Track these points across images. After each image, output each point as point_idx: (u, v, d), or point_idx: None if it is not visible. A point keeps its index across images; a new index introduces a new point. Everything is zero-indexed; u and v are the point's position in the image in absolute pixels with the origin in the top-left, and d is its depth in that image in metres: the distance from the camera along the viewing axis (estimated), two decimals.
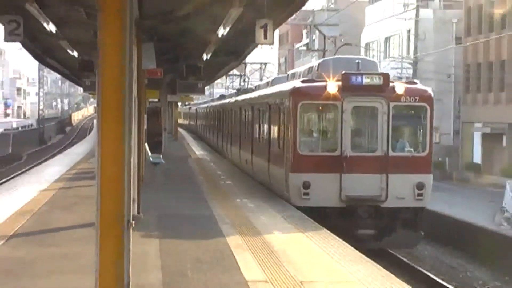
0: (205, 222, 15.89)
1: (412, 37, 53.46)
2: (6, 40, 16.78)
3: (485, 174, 47.61)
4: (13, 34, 16.44)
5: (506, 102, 46.77)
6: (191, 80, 34.58)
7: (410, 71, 50.47)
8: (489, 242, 25.15)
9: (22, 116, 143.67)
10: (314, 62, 25.21)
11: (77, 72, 30.65)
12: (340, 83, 18.95)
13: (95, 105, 13.91)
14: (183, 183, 24.38)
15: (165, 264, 11.58)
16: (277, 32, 52.64)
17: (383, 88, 18.93)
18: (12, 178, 31.72)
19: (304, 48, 75.68)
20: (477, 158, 49.99)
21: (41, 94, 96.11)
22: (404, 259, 21.29)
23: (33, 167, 39.09)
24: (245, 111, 28.82)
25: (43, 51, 27.37)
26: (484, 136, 49.28)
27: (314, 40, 70.70)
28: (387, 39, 60.92)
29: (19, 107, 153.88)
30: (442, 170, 48.85)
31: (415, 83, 20.27)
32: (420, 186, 18.89)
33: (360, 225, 18.87)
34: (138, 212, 15.94)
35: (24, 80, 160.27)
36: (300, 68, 25.25)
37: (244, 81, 67.24)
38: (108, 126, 7.41)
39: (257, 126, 25.43)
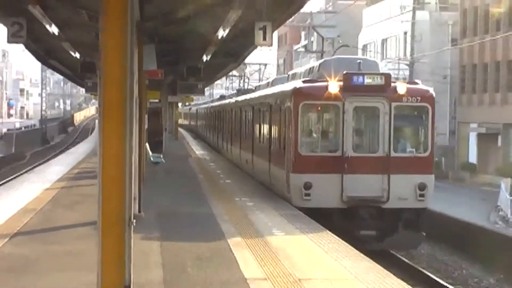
0: (205, 220, 15.99)
1: (408, 39, 53.56)
2: (9, 41, 16.94)
3: (480, 174, 47.81)
4: (17, 36, 16.61)
5: (501, 102, 47.02)
6: (191, 81, 34.75)
7: (407, 72, 50.56)
8: (484, 240, 25.24)
9: (25, 117, 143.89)
10: (315, 62, 25.10)
11: (79, 73, 30.78)
12: (341, 83, 18.75)
13: (97, 105, 14.12)
14: (183, 182, 24.41)
15: (165, 262, 11.70)
16: (276, 34, 52.63)
17: (385, 88, 18.75)
18: (16, 177, 31.83)
19: (303, 49, 75.70)
20: (473, 158, 50.18)
21: (43, 94, 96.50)
22: (402, 258, 21.31)
23: (36, 166, 39.13)
24: (245, 112, 28.70)
25: (46, 52, 27.55)
26: (480, 136, 49.47)
27: (312, 41, 70.74)
28: (384, 41, 61.05)
29: (22, 107, 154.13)
30: (438, 169, 48.91)
31: (417, 83, 20.05)
32: (422, 187, 18.72)
33: (361, 226, 18.63)
34: (139, 211, 16.09)
35: (27, 81, 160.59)
36: (300, 68, 25.05)
37: (243, 81, 67.38)
38: (109, 126, 7.50)
39: (257, 126, 25.30)
